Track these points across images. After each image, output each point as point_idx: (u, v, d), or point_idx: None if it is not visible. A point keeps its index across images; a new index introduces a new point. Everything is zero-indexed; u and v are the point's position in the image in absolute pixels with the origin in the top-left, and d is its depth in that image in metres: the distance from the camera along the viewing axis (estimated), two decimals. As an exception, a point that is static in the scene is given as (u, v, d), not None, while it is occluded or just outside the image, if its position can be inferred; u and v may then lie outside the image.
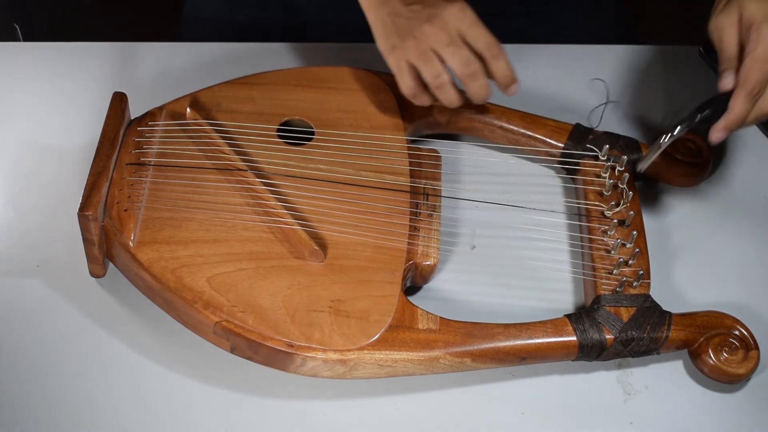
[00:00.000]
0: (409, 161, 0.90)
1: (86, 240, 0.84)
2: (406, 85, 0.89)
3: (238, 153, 0.88)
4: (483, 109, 0.95)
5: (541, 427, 0.81)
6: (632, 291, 0.84)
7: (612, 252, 0.86)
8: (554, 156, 0.95)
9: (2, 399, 0.80)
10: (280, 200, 0.85)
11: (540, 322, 0.82)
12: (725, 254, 0.92)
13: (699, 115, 0.85)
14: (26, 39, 1.51)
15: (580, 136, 0.95)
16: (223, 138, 0.89)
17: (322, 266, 0.82)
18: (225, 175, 0.87)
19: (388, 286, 0.82)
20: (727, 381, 0.82)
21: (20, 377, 0.82)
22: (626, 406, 0.82)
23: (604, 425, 0.81)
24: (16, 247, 0.90)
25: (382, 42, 0.89)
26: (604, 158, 0.93)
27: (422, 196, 0.89)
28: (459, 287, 0.88)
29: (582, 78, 1.06)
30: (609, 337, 0.81)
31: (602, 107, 1.01)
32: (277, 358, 0.79)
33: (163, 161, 0.88)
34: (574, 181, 0.95)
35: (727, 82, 0.84)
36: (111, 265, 0.87)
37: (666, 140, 0.86)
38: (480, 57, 0.88)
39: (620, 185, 0.90)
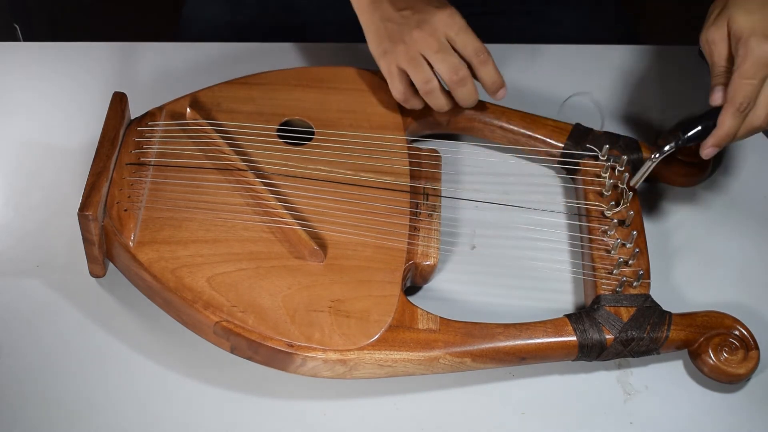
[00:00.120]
0: (409, 161, 0.90)
1: (86, 240, 0.84)
2: (396, 89, 0.91)
3: (238, 153, 0.88)
4: (483, 108, 0.95)
5: (541, 427, 0.81)
6: (632, 291, 0.84)
7: (612, 252, 0.86)
8: (554, 156, 0.95)
9: (2, 399, 0.80)
10: (280, 200, 0.85)
11: (540, 322, 0.82)
12: (725, 254, 0.92)
13: (689, 132, 0.85)
14: (26, 39, 1.51)
15: (580, 136, 0.95)
16: (223, 138, 0.89)
17: (322, 266, 0.82)
18: (225, 175, 0.87)
19: (388, 286, 0.82)
20: (727, 381, 0.82)
21: (20, 377, 0.82)
22: (626, 406, 0.82)
23: (604, 425, 0.81)
24: (16, 247, 0.90)
25: (374, 46, 0.92)
26: (604, 158, 0.93)
27: (422, 196, 0.89)
28: (459, 287, 0.88)
29: (582, 78, 1.06)
30: (609, 337, 0.81)
31: (578, 98, 1.01)
32: (277, 358, 0.79)
33: (163, 161, 0.88)
34: (574, 181, 0.95)
35: (716, 98, 0.83)
36: (111, 265, 0.87)
37: (656, 157, 0.86)
38: (468, 63, 0.89)
39: (620, 185, 0.90)
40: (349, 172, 0.88)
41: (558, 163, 0.96)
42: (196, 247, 0.82)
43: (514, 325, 0.81)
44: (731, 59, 0.83)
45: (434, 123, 0.96)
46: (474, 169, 0.97)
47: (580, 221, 0.91)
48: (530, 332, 0.81)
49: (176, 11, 1.24)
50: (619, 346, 0.81)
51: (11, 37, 1.50)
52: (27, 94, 1.02)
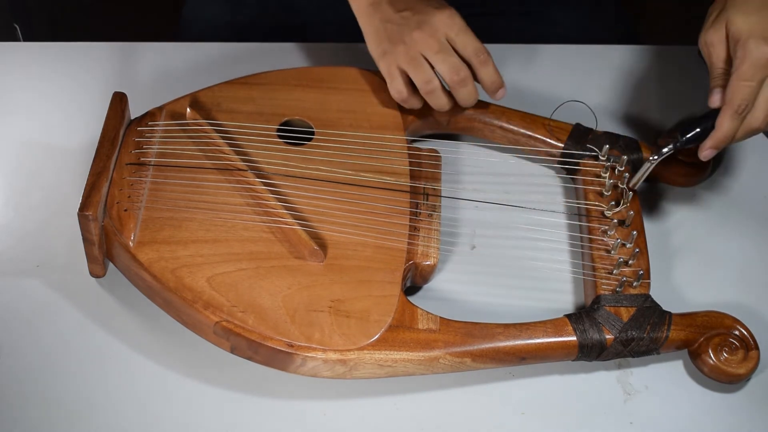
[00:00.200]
0: (409, 161, 0.90)
1: (86, 240, 0.84)
2: (396, 90, 0.91)
3: (238, 153, 0.88)
4: (483, 108, 0.95)
5: (541, 427, 0.81)
6: (632, 291, 0.84)
7: (612, 252, 0.86)
8: (554, 156, 0.95)
9: (2, 399, 0.80)
10: (280, 200, 0.85)
11: (540, 322, 0.82)
12: (725, 254, 0.92)
13: (688, 134, 0.85)
14: (26, 39, 1.51)
15: (580, 136, 0.95)
16: (223, 138, 0.89)
17: (322, 266, 0.82)
18: (225, 175, 0.87)
19: (388, 286, 0.82)
20: (727, 381, 0.82)
21: (20, 377, 0.82)
22: (626, 406, 0.82)
23: (604, 425, 0.81)
24: (16, 247, 0.90)
25: (373, 47, 0.92)
26: (604, 158, 0.93)
27: (422, 196, 0.89)
28: (459, 287, 0.88)
29: (582, 78, 1.06)
30: (609, 337, 0.81)
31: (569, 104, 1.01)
32: (277, 358, 0.79)
33: (163, 161, 0.88)
34: (574, 181, 0.95)
35: (714, 100, 0.83)
36: (111, 265, 0.87)
37: (654, 159, 0.86)
38: (468, 63, 0.90)
39: (620, 185, 0.90)
40: (349, 172, 0.88)
41: (558, 163, 0.96)
42: (196, 247, 0.82)
43: (514, 325, 0.81)
44: (730, 61, 0.83)
45: (434, 123, 0.96)
46: (474, 169, 0.97)
47: (580, 221, 0.91)
48: (530, 332, 0.81)
49: (176, 11, 1.24)
50: (619, 346, 0.81)
51: (11, 37, 1.50)
52: (27, 94, 1.02)
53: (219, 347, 0.81)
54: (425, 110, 0.94)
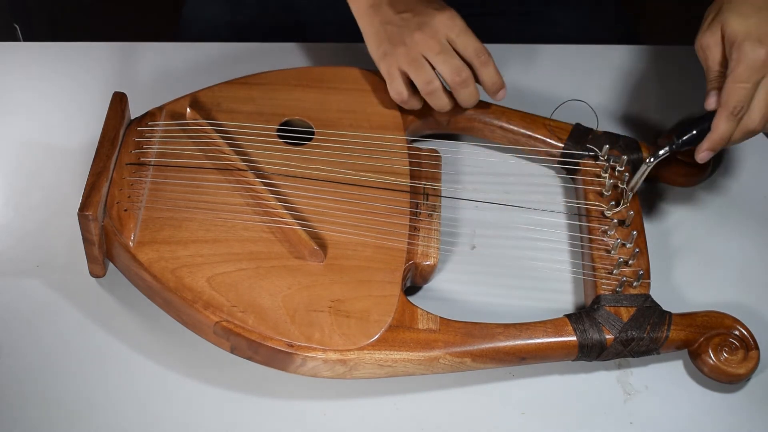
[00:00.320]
0: (409, 161, 0.90)
1: (86, 240, 0.84)
2: (396, 91, 0.92)
3: (238, 153, 0.88)
4: (483, 108, 0.95)
5: (541, 427, 0.81)
6: (632, 291, 0.84)
7: (612, 252, 0.86)
8: (554, 156, 0.95)
9: (2, 399, 0.80)
10: (280, 200, 0.85)
11: (540, 322, 0.82)
12: (725, 254, 0.92)
13: (684, 136, 0.85)
14: (26, 39, 1.51)
15: (580, 136, 0.95)
16: (223, 138, 0.89)
17: (322, 266, 0.82)
18: (225, 175, 0.87)
19: (388, 286, 0.82)
20: (727, 381, 0.82)
21: (20, 377, 0.82)
22: (626, 406, 0.82)
23: (604, 425, 0.81)
24: (16, 247, 0.90)
25: (373, 49, 0.93)
26: (604, 158, 0.93)
27: (422, 196, 0.89)
28: (459, 287, 0.88)
29: (582, 78, 1.06)
30: (609, 337, 0.81)
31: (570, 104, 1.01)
32: (277, 358, 0.79)
33: (163, 161, 0.88)
34: (574, 181, 0.95)
35: (710, 102, 0.84)
36: (111, 265, 0.87)
37: (651, 162, 0.86)
38: (469, 64, 0.90)
39: (620, 185, 0.90)
40: (349, 172, 0.88)
41: (558, 163, 0.96)
42: (196, 247, 0.82)
43: (514, 325, 0.81)
44: (726, 64, 0.84)
45: (434, 123, 0.96)
46: (474, 169, 0.97)
47: (580, 221, 0.91)
48: (530, 332, 0.81)
49: (176, 11, 1.24)
50: (619, 346, 0.81)
51: (11, 37, 1.50)
52: (27, 94, 1.02)
53: (219, 347, 0.81)
54: (425, 110, 0.94)
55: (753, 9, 0.83)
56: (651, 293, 0.84)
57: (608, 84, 1.06)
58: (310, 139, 0.91)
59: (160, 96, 0.95)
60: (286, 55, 1.07)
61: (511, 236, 0.91)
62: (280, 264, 0.82)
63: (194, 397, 0.81)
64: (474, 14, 0.97)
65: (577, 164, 0.94)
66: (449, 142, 0.98)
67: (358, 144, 0.91)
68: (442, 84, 0.91)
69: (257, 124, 0.91)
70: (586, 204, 0.90)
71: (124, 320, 0.85)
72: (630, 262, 0.86)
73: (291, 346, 0.78)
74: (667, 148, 0.86)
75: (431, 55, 0.89)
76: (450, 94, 0.91)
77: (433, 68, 0.90)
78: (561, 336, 0.81)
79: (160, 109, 0.92)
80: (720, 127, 0.82)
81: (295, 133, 0.91)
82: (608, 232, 0.88)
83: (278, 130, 0.92)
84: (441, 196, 0.90)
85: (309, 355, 0.78)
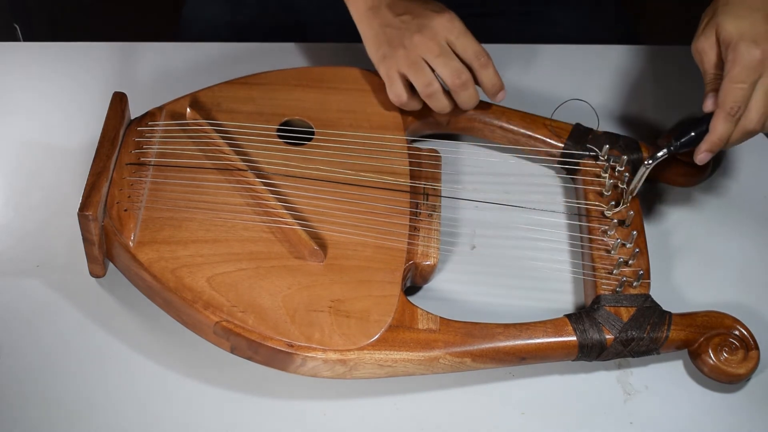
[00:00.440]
0: (409, 161, 0.90)
1: (86, 240, 0.84)
2: (396, 93, 0.92)
3: (238, 153, 0.88)
4: (483, 109, 0.95)
5: (541, 427, 0.81)
6: (632, 291, 0.84)
7: (612, 252, 0.86)
8: (554, 156, 0.95)
9: (2, 399, 0.80)
10: (280, 200, 0.85)
11: (540, 322, 0.82)
12: (725, 254, 0.92)
13: (683, 138, 0.85)
14: (26, 39, 1.51)
15: (580, 136, 0.95)
16: (223, 138, 0.89)
17: (322, 266, 0.82)
18: (225, 175, 0.87)
19: (388, 286, 0.82)
20: (727, 381, 0.82)
21: (20, 377, 0.82)
22: (626, 406, 0.82)
23: (604, 425, 0.81)
24: (16, 247, 0.90)
25: (373, 51, 0.93)
26: (604, 158, 0.93)
27: (422, 196, 0.89)
28: (459, 287, 0.88)
29: (582, 78, 1.06)
30: (609, 337, 0.81)
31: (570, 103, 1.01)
32: (277, 358, 0.79)
33: (163, 161, 0.88)
34: (574, 181, 0.95)
35: (708, 104, 0.84)
36: (111, 265, 0.87)
37: (650, 164, 0.87)
38: (468, 66, 0.90)
39: (620, 185, 0.90)
40: (349, 172, 0.88)
41: (558, 163, 0.96)
42: (196, 247, 0.82)
43: (514, 325, 0.81)
44: (722, 66, 0.84)
45: (434, 123, 0.96)
46: (474, 169, 0.97)
47: (580, 221, 0.91)
48: (530, 332, 0.81)
49: (176, 11, 1.24)
50: (619, 346, 0.81)
51: (11, 37, 1.50)
52: (27, 94, 1.02)
53: (219, 347, 0.81)
54: (425, 110, 0.94)
55: (747, 11, 0.83)
56: (651, 293, 0.84)
57: (608, 84, 1.06)
58: (310, 139, 0.91)
59: (160, 96, 0.95)
60: (286, 55, 1.07)
61: (511, 236, 0.91)
62: (280, 264, 0.82)
63: (194, 397, 0.81)
64: (474, 14, 0.97)
65: (577, 164, 0.94)
66: (449, 142, 0.98)
67: (358, 144, 0.91)
68: (442, 86, 0.91)
69: (257, 124, 0.91)
70: (586, 204, 0.90)
71: (124, 320, 0.85)
72: (630, 262, 0.86)
73: (291, 346, 0.78)
74: (665, 150, 0.86)
75: (431, 57, 0.89)
76: (449, 95, 0.92)
77: (433, 70, 0.90)
78: (561, 336, 0.81)
79: (160, 109, 0.92)
80: (718, 128, 0.82)
81: (295, 133, 0.91)
82: (608, 232, 0.88)
83: (278, 130, 0.92)
84: (441, 196, 0.90)
85: (309, 355, 0.78)
